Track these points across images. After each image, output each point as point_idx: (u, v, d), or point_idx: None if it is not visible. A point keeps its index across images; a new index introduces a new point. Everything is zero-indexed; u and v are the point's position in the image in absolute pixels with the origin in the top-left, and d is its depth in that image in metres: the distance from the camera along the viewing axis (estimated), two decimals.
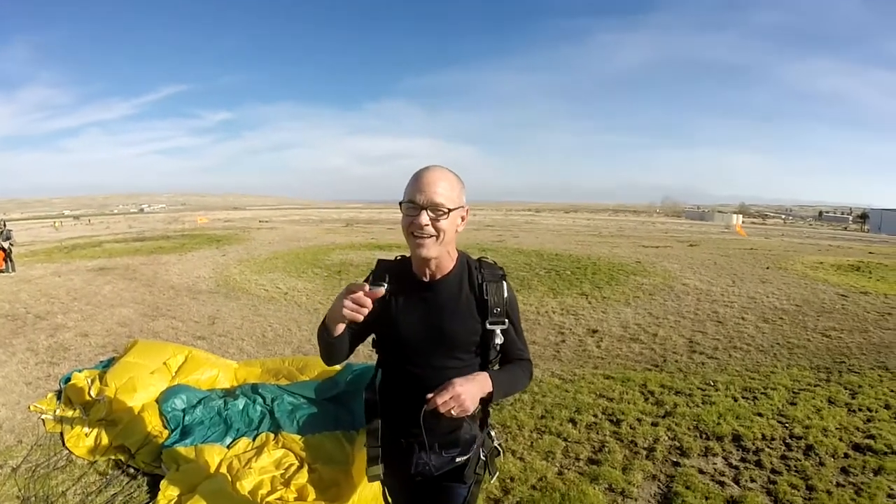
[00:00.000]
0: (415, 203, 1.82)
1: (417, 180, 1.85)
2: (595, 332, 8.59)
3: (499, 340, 1.97)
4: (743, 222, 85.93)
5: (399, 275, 1.99)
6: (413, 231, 1.84)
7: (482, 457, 2.10)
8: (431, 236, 1.84)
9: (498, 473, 2.27)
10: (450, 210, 1.84)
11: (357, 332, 2.06)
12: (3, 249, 15.69)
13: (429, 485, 2.07)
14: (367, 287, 1.84)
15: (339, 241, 25.48)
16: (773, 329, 8.84)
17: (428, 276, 1.97)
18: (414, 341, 1.97)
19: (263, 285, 12.84)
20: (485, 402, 1.94)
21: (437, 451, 2.00)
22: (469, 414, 1.85)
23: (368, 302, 1.81)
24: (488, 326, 1.95)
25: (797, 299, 11.42)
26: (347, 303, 1.81)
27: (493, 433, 2.18)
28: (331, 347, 1.99)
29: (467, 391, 1.79)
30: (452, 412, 1.77)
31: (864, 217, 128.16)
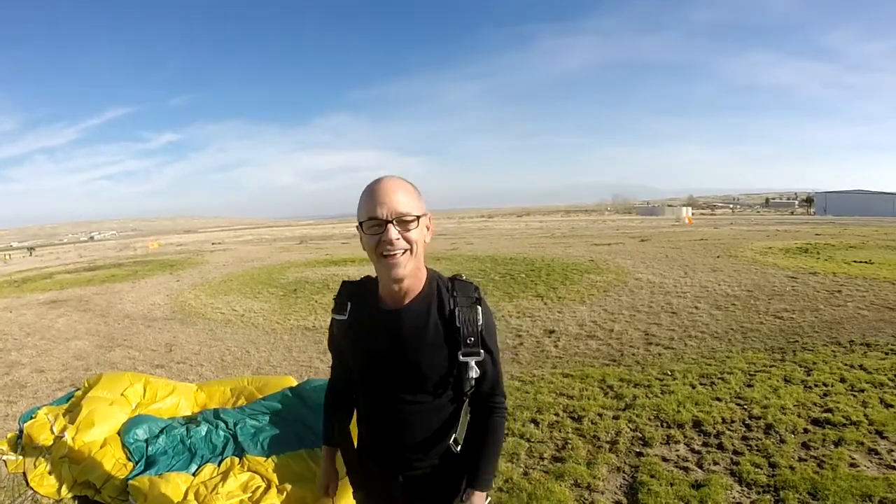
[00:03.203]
0: (377, 218, 1.63)
1: (373, 193, 1.66)
2: (552, 332, 8.70)
3: (474, 374, 1.77)
4: (692, 214, 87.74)
5: (362, 299, 1.86)
6: (382, 251, 1.65)
7: (465, 485, 1.91)
8: (405, 251, 1.65)
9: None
10: (418, 217, 1.67)
11: (346, 373, 2.00)
12: None
13: None
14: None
15: (294, 258, 25.25)
16: (726, 315, 9.09)
17: (394, 302, 1.79)
18: (379, 375, 1.82)
19: (219, 308, 12.70)
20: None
21: (418, 477, 1.89)
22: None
23: None
24: (461, 358, 1.75)
25: (748, 285, 11.76)
26: None
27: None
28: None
29: None
30: None
31: (809, 201, 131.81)
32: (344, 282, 1.96)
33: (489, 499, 1.91)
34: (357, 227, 1.72)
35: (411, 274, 1.71)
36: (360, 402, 1.97)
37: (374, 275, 1.88)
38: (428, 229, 1.75)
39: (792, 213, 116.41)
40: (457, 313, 1.76)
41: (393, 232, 1.62)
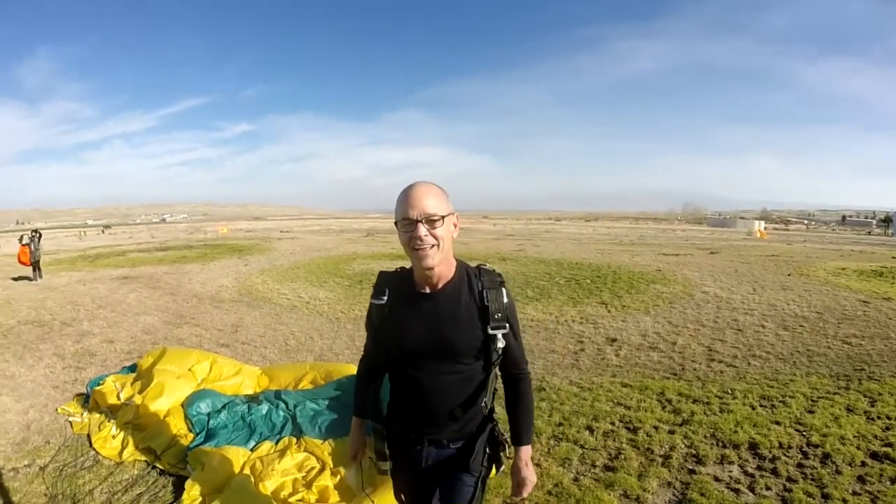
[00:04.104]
0: (409, 219, 1.91)
1: (407, 198, 1.94)
2: (614, 340, 8.60)
3: (500, 344, 2.05)
4: (765, 228, 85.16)
5: (399, 286, 2.12)
6: (414, 245, 1.92)
7: (487, 450, 2.20)
8: (432, 245, 1.92)
9: (504, 468, 2.29)
10: (443, 217, 1.94)
11: (378, 352, 2.25)
12: (35, 259, 16.04)
13: (437, 477, 2.19)
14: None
15: (360, 250, 25.61)
16: (792, 337, 8.81)
17: (429, 287, 2.05)
18: (418, 350, 2.05)
19: (285, 294, 13.00)
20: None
21: (445, 444, 2.16)
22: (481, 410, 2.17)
23: None
24: (490, 331, 2.02)
25: (818, 306, 11.35)
26: None
27: (498, 427, 2.25)
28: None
29: (531, 474, 2.18)
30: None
31: (887, 221, 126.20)
32: (381, 272, 2.23)
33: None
34: (395, 224, 1.99)
35: (440, 263, 1.98)
36: (397, 376, 2.19)
37: (408, 266, 2.16)
38: (455, 226, 2.04)
39: (869, 232, 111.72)
40: (485, 294, 2.05)
41: (422, 230, 1.90)
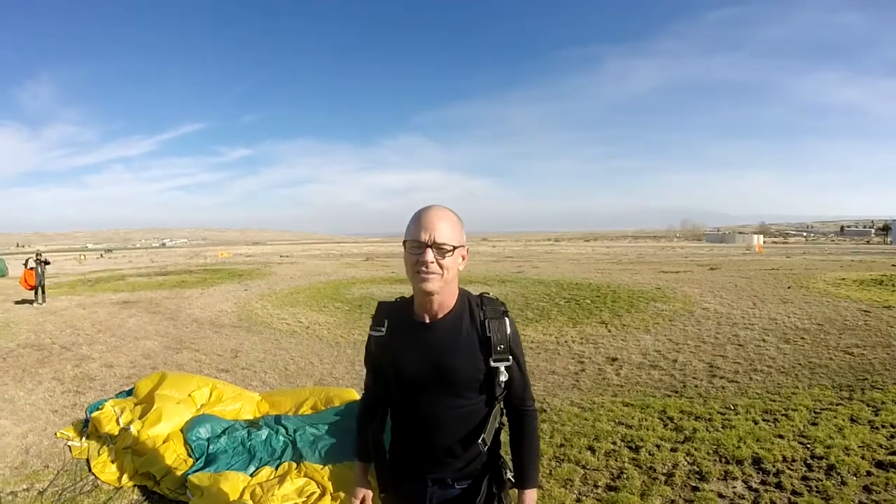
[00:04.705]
0: (419, 242, 1.83)
1: (420, 219, 1.86)
2: (614, 360, 8.58)
3: (503, 378, 1.94)
4: (764, 242, 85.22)
5: (398, 316, 2.02)
6: (418, 269, 1.84)
7: (494, 489, 2.07)
8: (436, 273, 1.83)
9: None
10: (455, 248, 1.85)
11: (379, 389, 2.14)
12: (41, 281, 16.10)
13: None
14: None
15: (360, 275, 25.60)
16: (794, 349, 8.80)
17: (429, 317, 1.95)
18: (417, 381, 1.96)
19: (285, 319, 12.99)
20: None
21: (450, 484, 2.05)
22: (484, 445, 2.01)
23: None
24: (492, 364, 1.93)
25: (819, 318, 11.36)
26: None
27: (505, 466, 2.12)
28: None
29: None
30: None
31: (886, 229, 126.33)
32: (380, 302, 2.13)
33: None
34: (403, 244, 1.92)
35: (441, 290, 1.89)
36: (397, 410, 2.11)
37: (408, 295, 2.07)
38: (463, 259, 1.95)
39: (868, 242, 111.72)
40: (487, 324, 1.95)
41: (430, 255, 1.81)
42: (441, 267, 1.84)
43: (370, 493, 2.27)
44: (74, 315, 13.90)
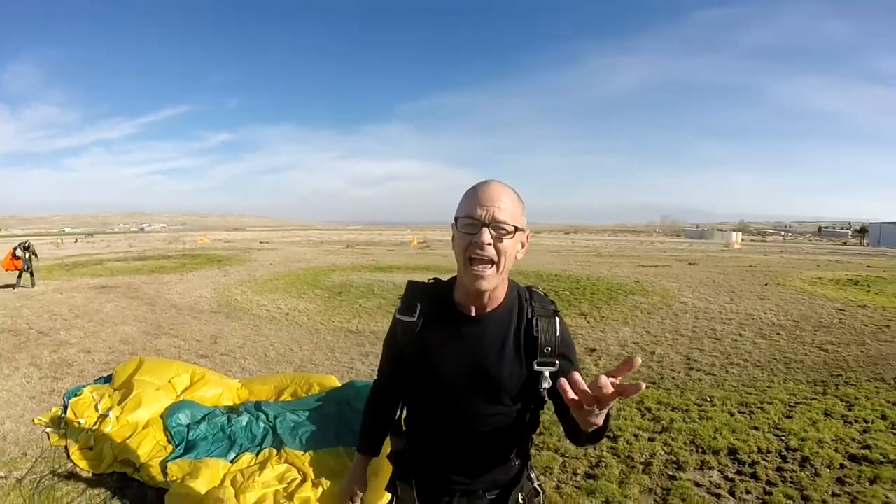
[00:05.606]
0: (474, 219, 1.57)
1: (477, 194, 1.60)
2: (593, 350, 8.65)
3: (546, 384, 1.67)
4: (742, 239, 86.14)
5: (435, 303, 1.76)
6: (472, 253, 1.58)
7: (520, 499, 1.84)
8: (492, 263, 1.59)
9: None
10: (515, 229, 1.59)
11: (397, 378, 1.91)
12: (28, 266, 15.90)
13: None
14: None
15: (340, 262, 25.49)
16: (770, 345, 8.92)
17: (476, 309, 1.71)
18: (455, 384, 1.71)
19: (265, 305, 12.92)
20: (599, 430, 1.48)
21: (480, 495, 1.80)
22: (521, 451, 1.84)
23: None
24: (535, 367, 1.67)
25: (795, 315, 11.52)
26: None
27: (532, 474, 1.93)
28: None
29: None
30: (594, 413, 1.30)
31: (863, 231, 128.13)
32: (411, 282, 1.86)
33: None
34: (452, 223, 1.67)
35: (496, 286, 1.66)
36: (422, 411, 1.85)
37: (424, 280, 1.85)
38: (522, 245, 1.70)
39: (845, 243, 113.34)
40: (535, 322, 1.70)
41: (486, 236, 1.56)
42: (498, 252, 1.58)
43: (364, 490, 2.08)
44: (52, 300, 13.71)
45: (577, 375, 1.30)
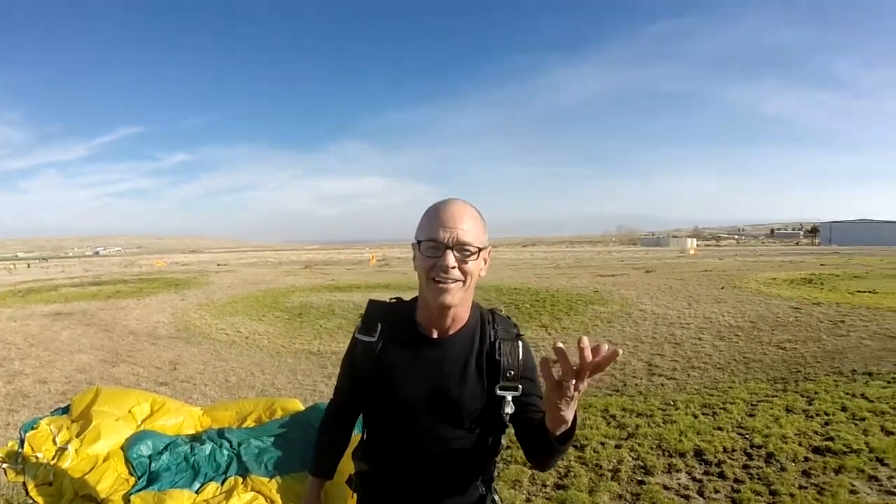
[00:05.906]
0: (437, 241, 1.52)
1: (439, 215, 1.55)
2: (555, 362, 8.68)
3: (509, 409, 1.61)
4: (697, 245, 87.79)
5: (396, 323, 1.70)
6: (435, 275, 1.52)
7: None
8: (457, 281, 1.53)
9: None
10: (479, 250, 1.55)
11: (355, 399, 1.84)
12: None
13: None
14: None
15: (299, 283, 25.20)
16: (729, 346, 9.10)
17: (438, 331, 1.66)
18: (414, 407, 1.65)
19: (224, 329, 12.73)
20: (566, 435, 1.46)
21: None
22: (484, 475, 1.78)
23: None
24: (498, 392, 1.61)
25: (752, 316, 11.79)
26: None
27: (497, 497, 1.87)
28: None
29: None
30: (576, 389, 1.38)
31: (814, 231, 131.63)
32: (372, 300, 1.80)
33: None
34: (413, 244, 1.61)
35: (461, 302, 1.60)
36: (379, 433, 1.78)
37: (385, 300, 1.80)
38: (485, 262, 1.64)
39: (797, 243, 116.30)
40: (497, 346, 1.65)
41: (451, 259, 1.51)
42: (464, 273, 1.54)
43: None
44: (5, 328, 13.32)
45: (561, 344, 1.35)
